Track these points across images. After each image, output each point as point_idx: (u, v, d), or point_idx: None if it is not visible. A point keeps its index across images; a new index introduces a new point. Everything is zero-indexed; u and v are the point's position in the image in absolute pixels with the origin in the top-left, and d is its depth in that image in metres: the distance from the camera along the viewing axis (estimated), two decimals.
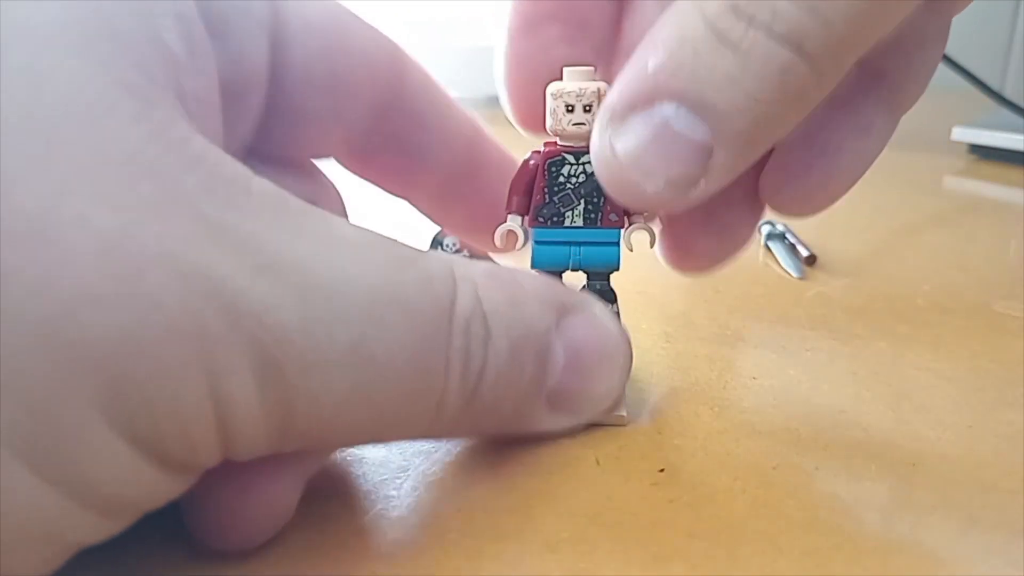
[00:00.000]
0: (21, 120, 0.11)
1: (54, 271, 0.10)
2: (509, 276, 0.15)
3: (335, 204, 0.20)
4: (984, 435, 0.18)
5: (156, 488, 0.12)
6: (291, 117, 0.18)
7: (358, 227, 0.14)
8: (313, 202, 0.13)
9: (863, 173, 0.18)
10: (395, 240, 0.14)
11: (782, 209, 0.19)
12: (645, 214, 0.19)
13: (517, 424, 0.16)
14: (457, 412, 0.14)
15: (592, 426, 0.18)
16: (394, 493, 0.16)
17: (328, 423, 0.13)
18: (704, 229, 0.19)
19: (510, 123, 0.20)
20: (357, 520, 0.15)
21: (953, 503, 0.15)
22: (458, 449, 0.17)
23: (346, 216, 0.20)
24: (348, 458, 0.17)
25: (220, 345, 0.11)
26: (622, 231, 0.19)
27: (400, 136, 0.20)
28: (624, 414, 0.18)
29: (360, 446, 0.17)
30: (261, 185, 0.12)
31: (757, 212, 0.20)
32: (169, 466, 0.12)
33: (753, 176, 0.19)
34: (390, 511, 0.15)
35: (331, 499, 0.15)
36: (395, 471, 0.16)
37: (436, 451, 0.17)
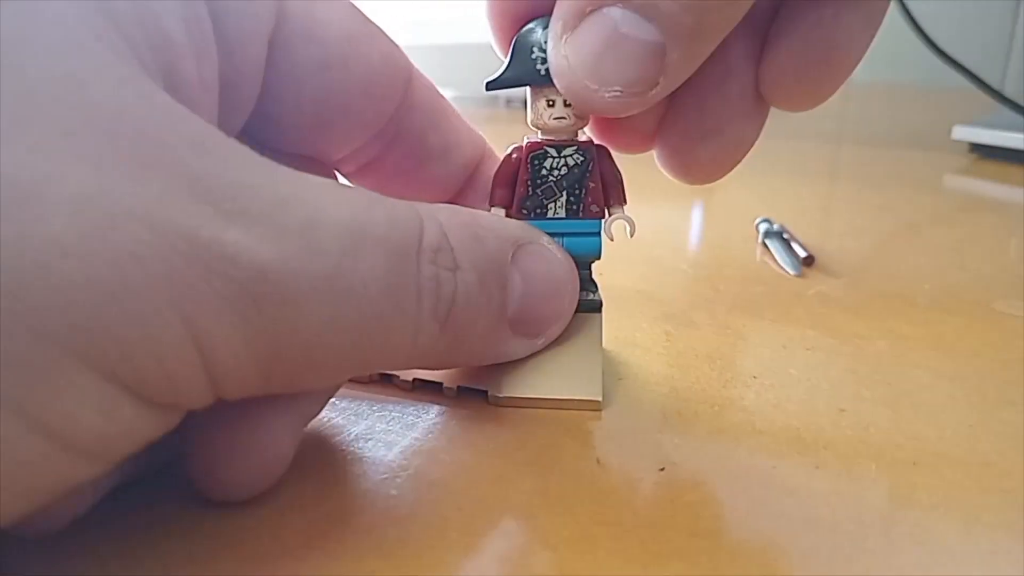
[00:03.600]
0: (3, 84, 0.11)
1: (28, 227, 0.11)
2: (469, 215, 0.17)
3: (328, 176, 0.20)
4: (984, 435, 0.18)
5: (142, 426, 0.12)
6: (280, 121, 0.18)
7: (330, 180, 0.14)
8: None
9: (860, 60, 0.18)
10: (363, 188, 0.15)
11: (783, 104, 0.19)
12: (624, 204, 0.19)
13: (485, 350, 0.17)
14: (431, 339, 0.15)
15: (591, 426, 0.18)
16: (394, 493, 0.16)
17: (311, 354, 0.13)
18: (703, 134, 0.19)
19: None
20: (357, 520, 0.15)
21: (953, 503, 0.15)
22: (458, 449, 0.17)
23: None
24: (348, 457, 0.17)
25: (193, 290, 0.12)
26: (603, 221, 0.19)
27: (399, 159, 0.20)
28: (599, 399, 0.18)
29: (340, 388, 0.18)
30: (237, 144, 0.13)
31: (761, 111, 0.19)
32: (155, 405, 0.12)
33: (751, 74, 0.18)
34: (390, 511, 0.15)
35: (331, 498, 0.15)
36: (395, 471, 0.16)
37: (436, 451, 0.17)
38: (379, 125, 0.19)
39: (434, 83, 0.21)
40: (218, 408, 0.14)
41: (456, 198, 0.21)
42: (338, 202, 0.14)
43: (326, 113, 0.18)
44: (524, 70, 0.18)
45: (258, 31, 0.16)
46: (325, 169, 0.20)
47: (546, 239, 0.18)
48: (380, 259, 0.14)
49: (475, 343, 0.17)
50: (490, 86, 0.18)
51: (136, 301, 0.11)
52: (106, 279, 0.11)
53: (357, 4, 0.18)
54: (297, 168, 0.14)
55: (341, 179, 0.21)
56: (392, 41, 0.19)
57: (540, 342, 0.19)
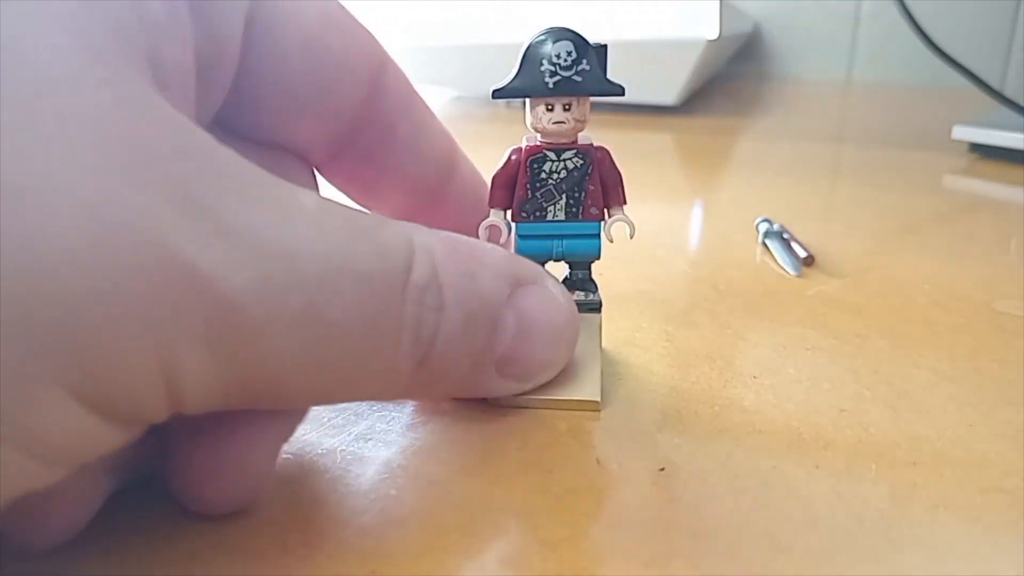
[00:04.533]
0: None
1: (32, 234, 0.10)
2: (467, 249, 0.16)
3: (305, 179, 0.20)
4: (984, 434, 0.18)
5: (101, 439, 0.12)
6: (257, 102, 0.17)
7: (321, 198, 0.14)
8: (281, 176, 0.13)
9: None
10: (358, 211, 0.14)
11: None
12: (624, 205, 0.19)
13: (468, 388, 0.17)
14: (408, 376, 0.15)
15: (591, 426, 0.18)
16: (394, 493, 0.16)
17: (281, 384, 0.13)
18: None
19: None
20: (357, 520, 0.15)
21: (953, 503, 0.15)
22: (458, 449, 0.17)
23: (317, 191, 0.19)
24: (348, 457, 0.17)
25: (171, 313, 0.11)
26: (603, 223, 0.19)
27: (370, 147, 0.20)
28: (597, 399, 0.18)
29: (332, 403, 0.17)
30: (226, 153, 0.13)
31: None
32: (116, 420, 0.12)
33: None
34: (390, 511, 0.15)
35: (331, 499, 0.15)
36: (395, 471, 0.16)
37: (436, 451, 0.17)
38: (353, 109, 0.19)
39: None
40: (197, 426, 0.14)
41: (433, 201, 0.21)
42: (322, 231, 0.13)
43: (303, 96, 0.17)
44: (532, 81, 0.18)
45: (235, 7, 0.16)
46: (300, 164, 0.19)
47: (551, 281, 0.17)
48: (359, 295, 0.13)
49: (455, 381, 0.16)
50: (496, 94, 0.18)
51: (122, 321, 0.11)
52: (107, 294, 0.11)
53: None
54: (273, 165, 0.14)
55: (319, 179, 0.20)
56: (364, 25, 0.19)
57: (528, 386, 0.18)
